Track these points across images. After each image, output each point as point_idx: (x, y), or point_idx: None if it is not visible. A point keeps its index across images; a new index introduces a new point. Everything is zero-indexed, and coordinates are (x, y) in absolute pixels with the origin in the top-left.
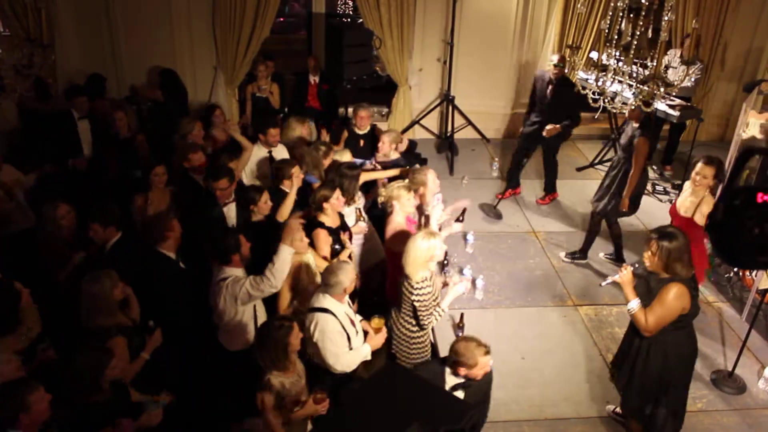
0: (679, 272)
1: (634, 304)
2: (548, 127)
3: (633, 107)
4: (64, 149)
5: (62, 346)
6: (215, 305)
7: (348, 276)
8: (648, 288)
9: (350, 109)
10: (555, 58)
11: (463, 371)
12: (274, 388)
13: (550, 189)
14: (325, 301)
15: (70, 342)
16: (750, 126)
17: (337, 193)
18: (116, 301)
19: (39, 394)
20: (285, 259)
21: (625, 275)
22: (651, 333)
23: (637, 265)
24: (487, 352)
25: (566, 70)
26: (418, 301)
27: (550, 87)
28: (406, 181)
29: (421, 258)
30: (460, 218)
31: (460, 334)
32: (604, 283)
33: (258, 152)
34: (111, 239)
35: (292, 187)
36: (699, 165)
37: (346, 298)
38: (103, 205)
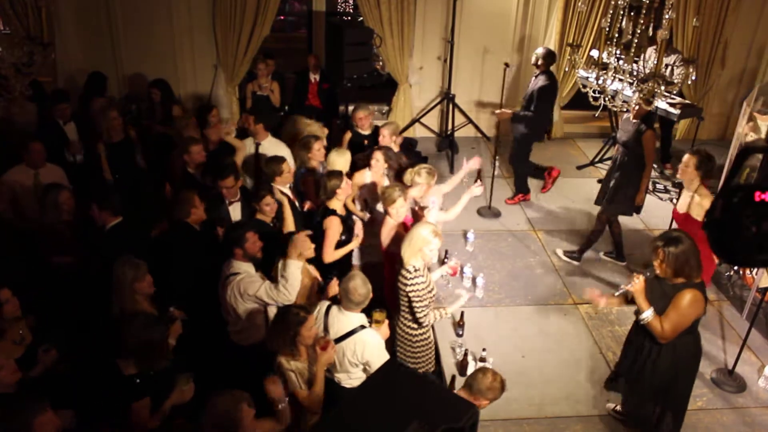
0: (689, 274)
1: (649, 313)
2: (498, 111)
3: (637, 106)
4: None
5: (66, 345)
6: (224, 300)
7: (369, 286)
8: (662, 292)
9: (350, 108)
10: (539, 51)
11: (477, 400)
12: (283, 369)
13: (520, 188)
14: (351, 319)
15: (73, 340)
16: (759, 129)
17: (345, 179)
18: (138, 292)
19: (45, 417)
20: (294, 273)
21: (637, 284)
22: (668, 340)
23: (648, 273)
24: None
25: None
26: (413, 291)
27: (533, 79)
28: (410, 175)
29: (415, 244)
30: (478, 180)
31: (461, 332)
32: (617, 293)
33: (249, 148)
34: (110, 223)
35: (284, 199)
36: (686, 156)
37: None
38: (105, 193)
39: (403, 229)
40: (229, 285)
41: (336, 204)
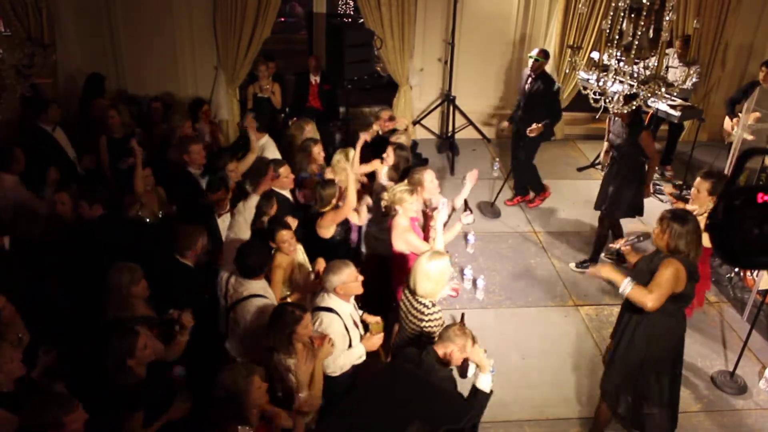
0: (683, 251)
1: (626, 285)
2: (532, 127)
3: (628, 109)
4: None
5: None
6: (234, 320)
7: (339, 276)
8: (650, 265)
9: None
10: (534, 52)
11: (447, 347)
12: (281, 368)
13: (538, 191)
14: (330, 300)
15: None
16: (739, 127)
17: (338, 187)
18: (134, 296)
19: (75, 415)
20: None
21: (600, 270)
22: (654, 307)
23: (641, 238)
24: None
25: (546, 65)
26: (428, 326)
27: (529, 80)
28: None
29: (434, 279)
30: (468, 210)
31: None
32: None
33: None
34: (96, 215)
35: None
36: (697, 179)
37: (352, 299)
38: (93, 187)
39: (412, 229)
40: (244, 309)
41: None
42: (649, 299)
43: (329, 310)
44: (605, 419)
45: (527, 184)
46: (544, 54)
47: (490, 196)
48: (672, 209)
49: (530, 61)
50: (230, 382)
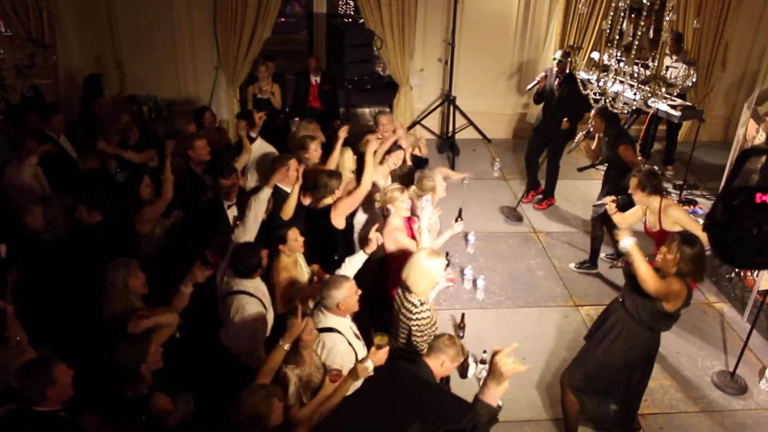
0: (689, 274)
1: (629, 241)
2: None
3: (596, 120)
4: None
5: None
6: (225, 316)
7: (341, 291)
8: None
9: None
10: (558, 54)
11: (438, 358)
12: (290, 380)
13: (548, 194)
14: (328, 320)
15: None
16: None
17: (343, 181)
18: (130, 291)
19: (62, 368)
20: (263, 201)
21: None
22: (650, 288)
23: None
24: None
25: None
26: (416, 325)
27: (556, 82)
28: (413, 188)
29: (426, 277)
30: (459, 218)
31: (462, 334)
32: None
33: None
34: (94, 221)
35: (293, 185)
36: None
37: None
38: (93, 194)
39: (405, 229)
40: (229, 303)
41: (328, 202)
42: (652, 283)
43: (330, 330)
44: (574, 411)
45: (548, 184)
46: (567, 55)
47: (490, 196)
48: (682, 232)
49: (554, 63)
50: (251, 406)
